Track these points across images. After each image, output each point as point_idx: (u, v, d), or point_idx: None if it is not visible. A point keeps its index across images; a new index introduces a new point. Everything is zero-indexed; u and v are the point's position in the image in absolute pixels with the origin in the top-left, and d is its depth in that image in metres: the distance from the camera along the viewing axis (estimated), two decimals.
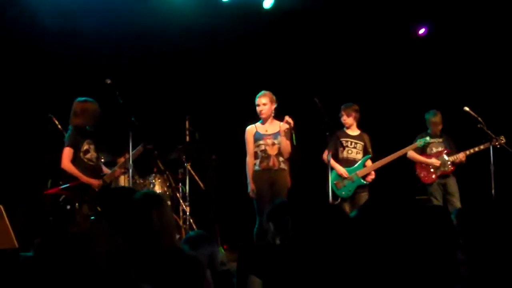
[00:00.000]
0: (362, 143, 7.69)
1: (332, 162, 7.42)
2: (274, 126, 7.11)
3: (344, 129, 7.72)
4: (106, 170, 7.00)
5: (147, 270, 2.99)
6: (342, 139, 7.53)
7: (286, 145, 7.01)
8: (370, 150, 7.69)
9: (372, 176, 7.58)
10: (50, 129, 6.98)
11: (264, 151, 7.03)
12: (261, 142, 7.05)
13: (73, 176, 6.52)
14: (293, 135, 6.88)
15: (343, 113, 7.70)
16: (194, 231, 3.88)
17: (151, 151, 7.12)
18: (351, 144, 7.63)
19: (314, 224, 3.06)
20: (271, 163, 7.02)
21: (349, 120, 7.69)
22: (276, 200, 5.26)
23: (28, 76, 7.79)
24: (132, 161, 6.66)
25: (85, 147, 6.65)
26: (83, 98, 6.66)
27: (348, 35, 9.60)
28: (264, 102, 7.08)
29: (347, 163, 7.59)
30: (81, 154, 6.61)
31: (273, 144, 7.03)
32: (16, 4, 7.56)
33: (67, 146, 6.53)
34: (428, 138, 7.98)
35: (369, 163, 7.66)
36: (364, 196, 7.49)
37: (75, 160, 6.56)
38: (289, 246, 3.63)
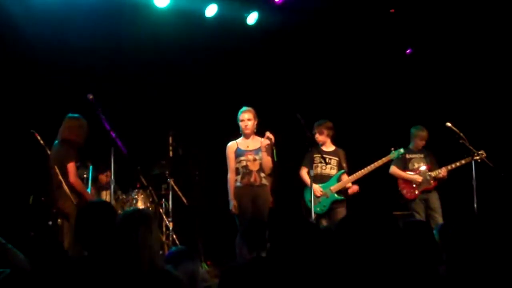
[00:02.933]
0: (336, 158, 7.68)
1: (306, 179, 7.43)
2: (255, 142, 7.10)
3: (319, 145, 7.70)
4: None
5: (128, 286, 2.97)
6: (315, 155, 7.48)
7: (267, 161, 6.98)
8: (344, 165, 7.68)
9: (353, 189, 7.56)
10: (33, 145, 6.90)
11: (246, 167, 7.01)
12: (242, 158, 7.02)
13: (77, 192, 6.48)
14: (274, 151, 6.86)
15: (315, 130, 7.68)
16: (176, 247, 3.84)
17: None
18: (323, 160, 7.58)
19: (291, 238, 3.06)
20: (252, 179, 6.99)
21: (321, 137, 7.68)
22: (250, 219, 5.23)
23: (10, 91, 7.72)
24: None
25: (77, 163, 6.66)
26: (76, 115, 6.67)
27: (331, 51, 9.67)
28: (249, 118, 7.07)
29: (322, 178, 7.57)
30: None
31: (255, 159, 7.01)
32: None
33: (72, 161, 6.49)
34: (402, 150, 7.91)
35: (343, 177, 7.64)
36: (341, 212, 7.45)
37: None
38: (266, 259, 3.63)
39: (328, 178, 7.60)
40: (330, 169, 7.63)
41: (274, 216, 6.83)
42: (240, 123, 7.10)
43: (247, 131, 7.08)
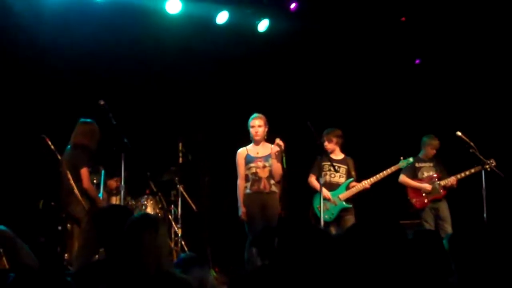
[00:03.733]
0: (345, 166, 7.67)
1: (316, 185, 7.42)
2: (265, 149, 7.08)
3: (329, 153, 7.69)
4: None
5: None
6: (325, 163, 7.48)
7: (277, 167, 6.94)
8: (353, 173, 7.67)
9: (365, 187, 7.56)
10: (43, 150, 6.93)
11: (255, 173, 6.99)
12: (252, 164, 7.00)
13: (90, 198, 6.48)
14: (284, 158, 6.82)
15: (324, 138, 7.65)
16: (185, 254, 3.85)
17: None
18: (332, 168, 7.58)
19: (300, 245, 3.06)
20: (262, 186, 6.97)
21: (330, 145, 7.66)
22: (260, 227, 5.22)
23: (21, 96, 7.77)
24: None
25: (90, 169, 6.65)
26: (89, 120, 6.68)
27: (341, 59, 9.69)
28: (259, 124, 7.06)
29: (330, 187, 7.56)
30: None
31: (264, 166, 6.99)
32: (8, 23, 7.55)
33: (86, 166, 6.49)
34: (411, 159, 7.90)
35: (352, 185, 7.63)
36: (349, 219, 7.45)
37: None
38: (275, 267, 3.62)
39: (337, 186, 7.59)
40: (339, 177, 7.62)
41: (283, 223, 6.82)
42: (251, 129, 7.09)
43: (258, 138, 7.07)
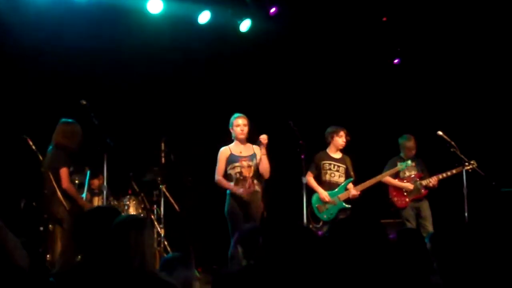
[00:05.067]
0: (344, 166, 7.70)
1: (314, 185, 7.47)
2: (248, 148, 7.07)
3: (327, 151, 7.73)
4: None
5: None
6: (325, 162, 7.53)
7: (266, 165, 6.94)
8: (352, 173, 7.72)
9: (354, 194, 7.60)
10: (24, 150, 6.87)
11: (240, 173, 6.95)
12: (236, 164, 6.96)
13: (70, 198, 6.41)
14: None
15: (342, 133, 7.69)
16: (171, 254, 3.86)
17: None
18: (334, 167, 7.64)
19: (285, 244, 3.07)
20: (247, 185, 6.94)
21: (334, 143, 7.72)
22: (246, 225, 5.23)
23: (2, 96, 7.71)
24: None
25: (71, 168, 6.59)
26: (71, 120, 6.60)
27: (322, 59, 9.72)
28: (244, 123, 7.04)
29: (330, 186, 7.60)
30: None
31: (249, 166, 6.96)
32: None
33: (64, 166, 6.41)
34: (409, 162, 8.00)
35: (350, 186, 7.68)
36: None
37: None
38: (259, 266, 3.63)
39: (336, 186, 7.63)
40: (339, 177, 7.65)
41: (267, 223, 6.84)
42: (235, 128, 7.05)
43: (242, 136, 7.03)
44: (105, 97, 8.04)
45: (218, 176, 7.01)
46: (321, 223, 7.48)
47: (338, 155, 7.72)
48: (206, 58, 8.98)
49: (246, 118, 7.08)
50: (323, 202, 7.52)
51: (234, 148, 7.08)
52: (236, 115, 7.10)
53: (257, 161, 6.95)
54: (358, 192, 7.60)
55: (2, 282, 2.58)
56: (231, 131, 7.10)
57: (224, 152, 7.07)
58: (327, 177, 7.60)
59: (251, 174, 6.95)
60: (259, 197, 7.04)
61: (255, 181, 7.00)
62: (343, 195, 7.58)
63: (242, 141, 7.07)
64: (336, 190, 7.60)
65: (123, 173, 7.65)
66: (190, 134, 8.98)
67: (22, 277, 2.65)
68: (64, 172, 6.40)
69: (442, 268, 3.24)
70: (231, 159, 6.99)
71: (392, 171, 7.95)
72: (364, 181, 7.73)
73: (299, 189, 7.36)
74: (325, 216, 7.52)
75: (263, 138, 6.86)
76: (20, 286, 2.60)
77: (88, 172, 6.93)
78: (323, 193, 7.48)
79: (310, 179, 7.55)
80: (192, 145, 8.90)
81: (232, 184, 6.90)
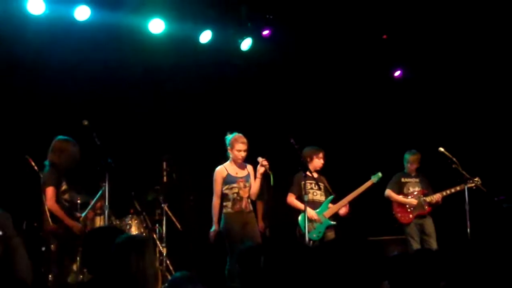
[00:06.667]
0: (323, 184, 7.69)
1: (299, 205, 7.42)
2: (243, 169, 7.17)
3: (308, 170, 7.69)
4: (77, 214, 6.85)
5: None
6: (307, 181, 7.46)
7: (256, 187, 7.09)
8: (331, 190, 7.71)
9: (345, 211, 7.59)
10: (26, 170, 6.84)
11: (238, 193, 7.06)
12: (234, 185, 7.06)
13: (56, 218, 6.30)
14: (271, 176, 6.88)
15: (306, 156, 7.65)
16: (179, 272, 3.83)
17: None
18: (315, 186, 7.58)
19: (287, 263, 3.07)
20: (243, 206, 7.07)
21: (312, 163, 7.69)
22: (245, 244, 5.22)
23: (4, 116, 7.73)
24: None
25: (64, 187, 6.49)
26: (65, 137, 6.55)
27: (323, 76, 9.75)
28: (245, 149, 7.11)
29: (314, 205, 7.55)
30: (60, 194, 6.43)
31: (245, 186, 7.11)
32: None
33: (51, 185, 6.30)
34: (380, 174, 7.88)
35: (332, 203, 7.67)
36: (331, 236, 7.51)
37: (57, 201, 6.35)
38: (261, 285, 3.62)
39: (319, 204, 7.61)
40: (320, 195, 7.64)
41: (269, 242, 6.83)
42: (236, 152, 7.10)
43: (240, 161, 7.13)
44: (107, 117, 8.07)
45: (215, 198, 7.12)
46: (311, 243, 7.44)
47: (315, 174, 7.66)
48: (207, 76, 9.01)
49: (246, 142, 7.10)
50: (310, 221, 7.44)
51: (230, 168, 7.15)
52: (236, 136, 7.13)
53: (251, 181, 7.09)
54: (346, 208, 7.58)
55: None
56: (229, 151, 7.15)
57: (220, 172, 7.12)
58: (310, 196, 7.53)
59: (247, 195, 7.09)
60: (253, 216, 7.21)
61: (249, 201, 7.13)
62: (327, 213, 7.58)
63: (239, 163, 7.11)
64: (320, 208, 7.58)
65: (125, 193, 7.63)
66: (192, 153, 8.98)
67: None
68: (49, 191, 6.29)
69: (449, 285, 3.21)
70: (228, 180, 7.09)
71: (367, 184, 7.79)
72: (341, 198, 7.70)
73: (298, 209, 7.37)
74: (314, 235, 7.49)
75: (262, 162, 6.89)
76: None
77: (101, 191, 6.80)
78: (311, 212, 7.42)
79: (293, 200, 7.53)
80: (194, 164, 8.89)
81: (215, 218, 7.05)
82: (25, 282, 2.89)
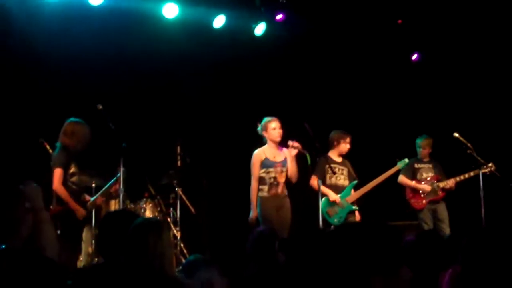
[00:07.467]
0: (346, 168, 7.70)
1: (324, 189, 7.42)
2: (281, 153, 7.15)
3: (329, 155, 7.71)
4: (87, 197, 6.91)
5: None
6: (329, 165, 7.50)
7: (294, 170, 7.08)
8: (355, 175, 7.71)
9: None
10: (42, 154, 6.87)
11: (275, 178, 7.06)
12: (271, 169, 7.06)
13: (61, 200, 6.35)
14: (308, 156, 6.92)
15: (348, 140, 7.69)
16: (192, 256, 3.86)
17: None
18: (338, 171, 7.62)
19: (309, 253, 3.08)
20: (279, 191, 7.07)
21: (337, 147, 7.71)
22: (263, 228, 5.24)
23: (19, 100, 7.77)
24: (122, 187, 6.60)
25: (72, 169, 6.49)
26: (75, 119, 6.57)
27: (337, 61, 9.71)
28: (279, 126, 7.15)
29: (336, 189, 7.58)
30: (68, 177, 6.46)
31: (282, 171, 7.09)
32: (6, 28, 7.56)
33: (59, 167, 6.34)
34: (406, 160, 7.95)
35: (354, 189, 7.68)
36: (353, 221, 7.51)
37: (63, 183, 6.38)
38: (278, 272, 3.65)
39: (342, 189, 7.62)
40: (344, 180, 7.65)
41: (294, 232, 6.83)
42: (272, 132, 7.12)
43: (280, 139, 7.12)
44: (121, 102, 8.08)
45: (253, 182, 7.12)
46: (332, 228, 7.45)
47: (339, 158, 7.71)
48: (221, 61, 9.00)
49: (279, 121, 7.12)
50: (332, 206, 7.48)
51: (268, 152, 7.15)
52: (268, 118, 7.18)
53: (288, 166, 7.07)
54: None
55: (31, 270, 2.63)
56: (265, 134, 7.17)
57: (259, 155, 7.14)
58: (333, 180, 7.57)
59: (283, 180, 7.07)
60: (288, 201, 7.18)
61: (285, 186, 7.13)
62: (350, 198, 7.58)
63: (276, 144, 7.11)
64: (343, 193, 7.59)
65: (139, 177, 7.67)
66: (206, 137, 9.00)
67: (50, 268, 2.69)
68: (56, 172, 6.33)
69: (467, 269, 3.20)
70: (266, 164, 7.09)
71: (392, 171, 7.83)
72: (368, 182, 7.71)
73: (313, 193, 7.37)
74: (335, 220, 7.51)
75: (296, 146, 6.96)
76: (47, 276, 2.64)
77: (116, 177, 6.80)
78: (334, 196, 7.45)
79: (317, 183, 7.50)
80: (208, 148, 8.91)
81: (253, 203, 7.02)
82: (52, 259, 2.93)
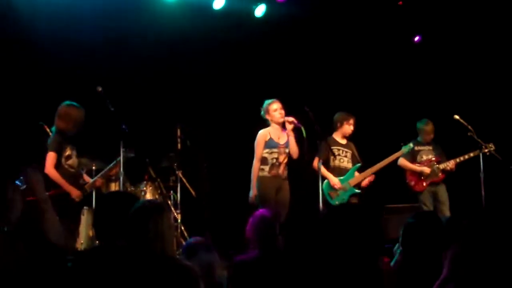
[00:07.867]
0: (350, 151, 7.70)
1: (324, 171, 7.40)
2: (284, 135, 7.18)
3: (333, 136, 7.71)
4: (87, 178, 6.90)
5: (138, 276, 2.99)
6: (333, 147, 7.51)
7: (295, 145, 7.11)
8: (359, 158, 7.71)
9: (369, 179, 7.60)
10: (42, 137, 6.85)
11: (277, 159, 7.09)
12: (275, 149, 7.10)
13: (55, 183, 6.33)
14: (302, 129, 6.91)
15: (352, 121, 7.69)
16: (192, 239, 3.87)
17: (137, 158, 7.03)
18: (342, 153, 7.63)
19: (307, 238, 3.08)
20: (280, 171, 7.10)
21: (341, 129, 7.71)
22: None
23: (18, 83, 7.75)
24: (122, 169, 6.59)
25: (67, 152, 6.46)
26: (69, 102, 6.53)
27: (337, 43, 9.67)
28: (281, 107, 7.18)
29: (339, 171, 7.59)
30: (63, 160, 6.43)
31: (285, 153, 7.11)
32: (5, 10, 7.52)
33: (51, 150, 6.32)
34: (411, 144, 7.97)
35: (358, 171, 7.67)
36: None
37: (57, 166, 6.35)
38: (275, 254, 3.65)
39: (345, 171, 7.62)
40: (347, 162, 7.65)
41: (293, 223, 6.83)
42: (273, 113, 7.16)
43: (282, 119, 7.12)
44: (121, 84, 8.06)
45: (256, 161, 7.15)
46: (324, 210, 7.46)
47: (344, 141, 7.72)
48: (221, 43, 8.96)
49: (280, 102, 7.14)
50: (333, 188, 7.50)
51: (273, 133, 7.19)
52: (268, 101, 7.21)
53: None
54: (372, 177, 7.59)
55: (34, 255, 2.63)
56: (267, 117, 7.21)
57: (263, 135, 7.18)
58: (336, 162, 7.58)
59: (285, 161, 7.09)
60: (288, 183, 7.21)
61: (286, 167, 7.14)
62: (353, 181, 7.57)
63: (279, 126, 7.14)
64: (346, 175, 7.59)
65: (139, 159, 7.66)
66: (206, 120, 8.99)
67: (53, 253, 2.69)
68: (49, 156, 6.31)
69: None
70: (270, 144, 7.13)
71: (397, 154, 7.86)
72: (370, 165, 7.70)
73: (314, 174, 7.36)
74: (337, 203, 7.51)
75: (290, 120, 6.98)
76: (50, 260, 2.65)
77: (115, 160, 6.76)
78: (334, 180, 7.46)
79: (319, 165, 7.38)
80: (208, 130, 8.90)
81: (253, 182, 7.06)
82: (56, 245, 2.93)
